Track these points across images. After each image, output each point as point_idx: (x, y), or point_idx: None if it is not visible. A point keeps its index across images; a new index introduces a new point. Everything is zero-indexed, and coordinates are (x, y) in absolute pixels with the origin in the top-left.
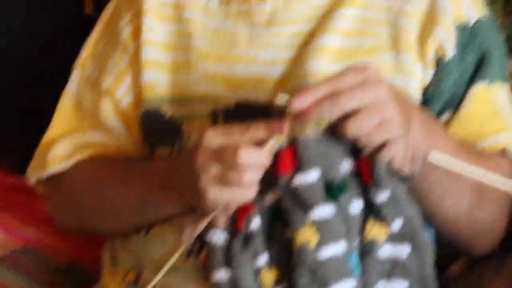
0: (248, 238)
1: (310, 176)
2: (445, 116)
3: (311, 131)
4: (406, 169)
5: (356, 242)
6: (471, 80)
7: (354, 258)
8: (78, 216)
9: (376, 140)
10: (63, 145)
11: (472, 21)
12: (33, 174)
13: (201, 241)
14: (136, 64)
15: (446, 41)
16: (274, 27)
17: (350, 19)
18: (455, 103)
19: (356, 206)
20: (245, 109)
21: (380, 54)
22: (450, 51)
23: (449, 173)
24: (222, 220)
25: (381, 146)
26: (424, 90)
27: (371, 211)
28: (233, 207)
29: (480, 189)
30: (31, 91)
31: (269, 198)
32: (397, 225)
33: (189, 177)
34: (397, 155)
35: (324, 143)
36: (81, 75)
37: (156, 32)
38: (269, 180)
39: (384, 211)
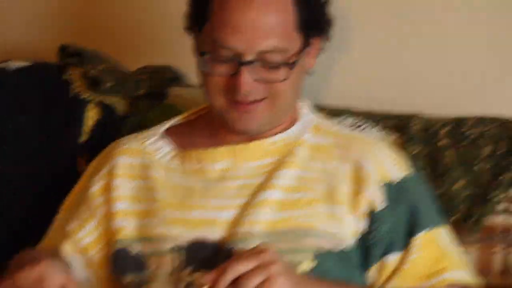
0: None
1: None
2: (392, 259)
3: None
4: None
5: None
6: (411, 232)
7: None
8: None
9: None
10: None
11: (397, 179)
12: None
13: None
14: (100, 215)
15: (374, 197)
16: (224, 181)
17: (291, 178)
18: (400, 247)
19: None
20: (199, 246)
21: (317, 206)
22: (380, 205)
23: None
24: None
25: None
26: (362, 237)
27: None
28: None
29: None
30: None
31: None
32: None
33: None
34: None
35: None
36: (59, 218)
37: (124, 188)
38: None
39: None
